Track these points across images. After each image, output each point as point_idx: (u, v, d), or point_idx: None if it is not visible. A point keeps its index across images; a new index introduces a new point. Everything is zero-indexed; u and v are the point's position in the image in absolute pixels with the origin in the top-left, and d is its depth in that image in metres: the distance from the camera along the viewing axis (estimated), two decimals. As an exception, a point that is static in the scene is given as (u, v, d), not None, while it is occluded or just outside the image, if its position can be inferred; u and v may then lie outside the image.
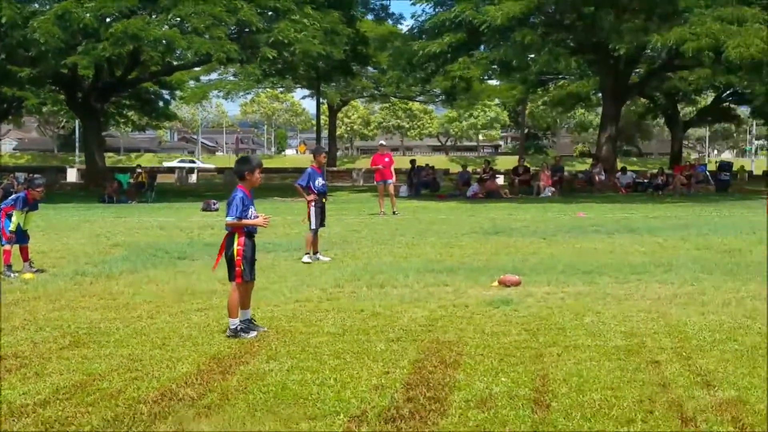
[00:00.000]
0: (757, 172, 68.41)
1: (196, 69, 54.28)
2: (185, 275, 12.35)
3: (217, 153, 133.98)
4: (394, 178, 24.76)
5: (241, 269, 8.34)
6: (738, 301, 9.84)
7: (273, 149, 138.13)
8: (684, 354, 7.37)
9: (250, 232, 8.55)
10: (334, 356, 7.41)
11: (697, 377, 6.64)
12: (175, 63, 43.80)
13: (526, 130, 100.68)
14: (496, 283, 11.18)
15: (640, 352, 7.44)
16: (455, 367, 7.03)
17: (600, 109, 50.20)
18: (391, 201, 24.55)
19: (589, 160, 59.33)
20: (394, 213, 24.03)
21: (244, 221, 8.39)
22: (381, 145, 26.56)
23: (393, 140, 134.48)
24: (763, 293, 10.34)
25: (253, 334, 8.24)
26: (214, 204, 26.64)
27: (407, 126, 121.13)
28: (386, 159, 24.74)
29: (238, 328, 8.25)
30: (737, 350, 7.49)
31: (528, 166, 40.96)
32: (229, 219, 8.38)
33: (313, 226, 14.35)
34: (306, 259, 13.95)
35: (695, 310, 9.29)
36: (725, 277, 11.61)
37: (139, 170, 40.15)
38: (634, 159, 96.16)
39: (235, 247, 8.38)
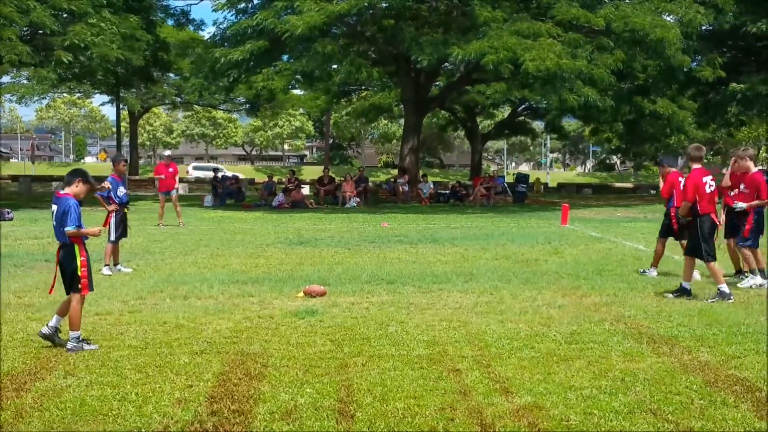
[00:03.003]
0: (552, 184, 71.43)
1: (-14, 71, 51.78)
2: (-25, 289, 11.74)
3: (11, 160, 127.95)
4: (178, 187, 24.61)
5: (87, 280, 8.15)
6: (534, 309, 10.26)
7: (72, 156, 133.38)
8: (484, 362, 7.61)
9: (84, 242, 8.33)
10: (135, 370, 7.25)
11: (496, 384, 6.88)
12: (-39, 64, 41.61)
13: (331, 141, 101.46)
14: (301, 294, 11.22)
15: (442, 361, 7.63)
16: (260, 378, 7.01)
17: (403, 121, 51.11)
18: (160, 213, 23.72)
19: (394, 171, 60.35)
20: (160, 225, 23.20)
21: (82, 230, 8.18)
22: (167, 156, 26.20)
23: (198, 149, 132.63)
24: (558, 301, 10.83)
25: (95, 346, 8.09)
26: (8, 213, 25.45)
27: (212, 134, 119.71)
28: (170, 169, 24.21)
29: (80, 338, 8.04)
30: (534, 357, 7.81)
31: (333, 176, 41.25)
32: (70, 229, 8.09)
33: (113, 237, 13.98)
34: (105, 271, 13.57)
35: (494, 319, 9.62)
36: (522, 286, 12.09)
37: None
38: (437, 170, 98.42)
39: (79, 259, 8.16)
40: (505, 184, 44.09)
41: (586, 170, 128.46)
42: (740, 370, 7.39)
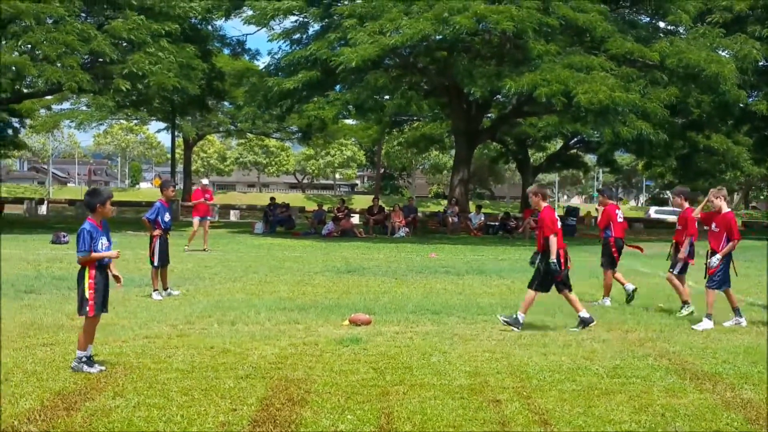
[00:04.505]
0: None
1: (48, 98, 52.90)
2: (31, 309, 12.04)
3: (68, 184, 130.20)
4: (210, 215, 25.59)
5: (94, 302, 8.25)
6: (578, 342, 10.26)
7: (127, 182, 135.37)
8: (524, 393, 7.65)
9: (101, 265, 8.42)
10: (182, 393, 7.39)
11: (535, 416, 6.92)
12: (25, 91, 42.51)
13: (382, 170, 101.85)
14: (346, 322, 11.32)
15: (482, 391, 7.69)
16: (303, 404, 7.12)
17: (454, 152, 51.18)
18: (204, 237, 24.54)
19: (444, 201, 60.37)
20: (206, 250, 23.99)
21: (95, 255, 8.28)
22: (203, 184, 27.06)
23: (250, 176, 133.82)
24: (603, 335, 10.82)
25: (97, 368, 8.16)
26: (65, 236, 25.91)
27: (264, 162, 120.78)
28: (207, 195, 25.25)
29: (83, 358, 8.17)
30: (575, 390, 7.83)
31: (383, 206, 41.38)
32: (79, 256, 8.30)
33: (156, 263, 14.18)
34: (156, 296, 13.78)
35: (537, 351, 9.64)
36: (567, 320, 12.04)
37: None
38: (487, 202, 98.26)
39: (87, 281, 8.28)
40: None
41: (639, 204, 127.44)
42: (783, 408, 7.36)
